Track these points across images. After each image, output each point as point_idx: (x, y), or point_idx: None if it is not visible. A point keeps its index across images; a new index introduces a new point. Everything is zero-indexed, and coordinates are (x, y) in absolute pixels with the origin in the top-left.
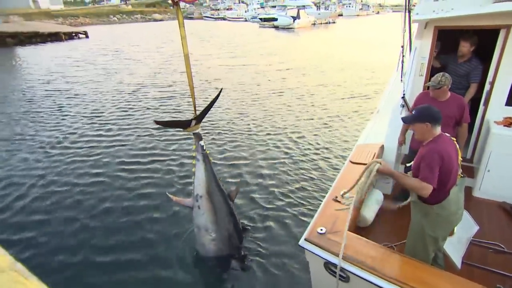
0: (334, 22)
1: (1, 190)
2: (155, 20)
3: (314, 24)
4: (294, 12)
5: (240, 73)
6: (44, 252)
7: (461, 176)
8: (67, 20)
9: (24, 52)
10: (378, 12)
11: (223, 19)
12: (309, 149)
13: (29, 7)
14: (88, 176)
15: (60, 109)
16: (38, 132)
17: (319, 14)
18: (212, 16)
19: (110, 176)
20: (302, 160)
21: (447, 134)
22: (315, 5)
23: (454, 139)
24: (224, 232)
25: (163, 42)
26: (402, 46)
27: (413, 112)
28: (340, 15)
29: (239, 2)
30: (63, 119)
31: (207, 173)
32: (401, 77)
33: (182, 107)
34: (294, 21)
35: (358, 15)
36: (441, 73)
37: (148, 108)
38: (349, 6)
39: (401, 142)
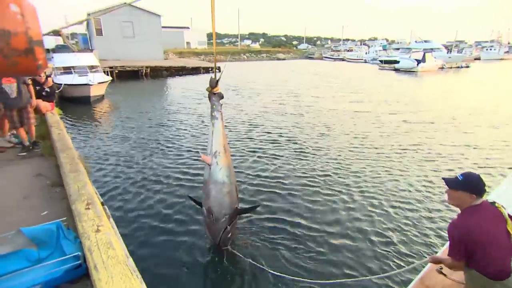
0: (467, 67)
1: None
2: (278, 59)
3: (442, 68)
4: (419, 55)
5: (354, 120)
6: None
7: None
8: (207, 57)
9: (171, 83)
10: None
11: (342, 59)
12: (424, 210)
13: (183, 47)
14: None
15: (163, 141)
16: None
17: (449, 57)
18: (332, 57)
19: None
20: (413, 224)
21: (491, 201)
22: (446, 48)
23: (500, 205)
24: (235, 184)
25: (283, 80)
26: None
27: (459, 177)
28: (477, 59)
29: (361, 44)
30: (163, 151)
31: (223, 131)
32: None
33: (293, 149)
34: (418, 64)
35: (501, 59)
36: None
37: (253, 151)
38: (490, 49)
39: None
